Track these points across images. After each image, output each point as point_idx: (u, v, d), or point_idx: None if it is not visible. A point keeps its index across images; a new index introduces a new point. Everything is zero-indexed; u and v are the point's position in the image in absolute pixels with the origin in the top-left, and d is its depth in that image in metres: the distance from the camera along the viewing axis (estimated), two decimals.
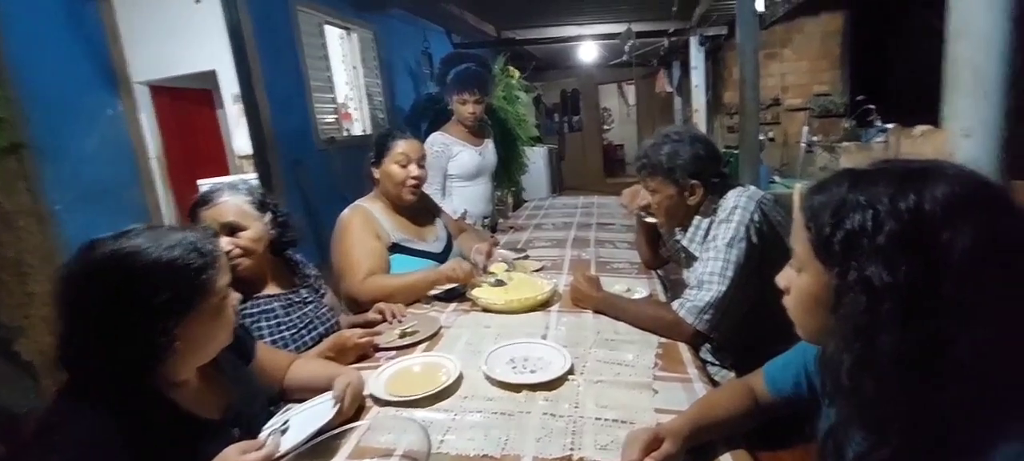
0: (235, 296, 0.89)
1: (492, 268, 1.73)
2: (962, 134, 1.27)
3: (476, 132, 2.55)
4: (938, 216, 0.53)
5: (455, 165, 2.47)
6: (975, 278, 0.51)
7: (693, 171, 1.36)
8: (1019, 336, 0.51)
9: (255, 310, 1.25)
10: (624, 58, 6.73)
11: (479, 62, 2.62)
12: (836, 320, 0.59)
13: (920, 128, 4.87)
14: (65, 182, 2.03)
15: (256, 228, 1.26)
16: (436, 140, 2.44)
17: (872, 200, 0.56)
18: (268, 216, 1.30)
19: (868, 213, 0.56)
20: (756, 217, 1.30)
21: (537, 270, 1.87)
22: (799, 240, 0.65)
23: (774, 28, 6.44)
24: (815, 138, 6.16)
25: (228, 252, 1.19)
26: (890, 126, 5.17)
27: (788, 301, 0.70)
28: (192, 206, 1.24)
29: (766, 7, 4.35)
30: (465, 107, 2.44)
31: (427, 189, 2.10)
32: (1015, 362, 0.52)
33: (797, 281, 0.67)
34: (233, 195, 1.25)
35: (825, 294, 0.61)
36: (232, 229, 1.22)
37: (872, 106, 5.53)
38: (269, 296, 1.30)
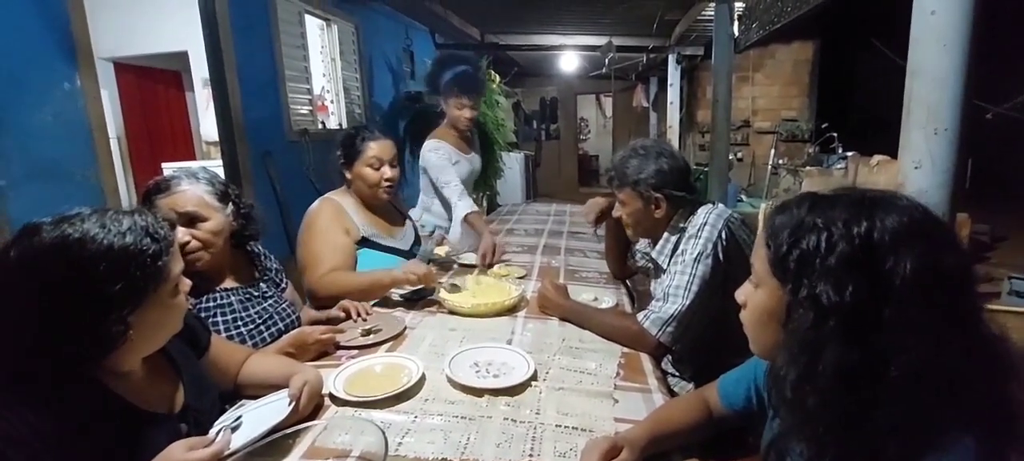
0: (186, 282, 0.86)
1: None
2: (913, 165, 1.34)
3: (467, 139, 2.50)
4: (886, 244, 0.56)
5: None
6: (913, 305, 0.55)
7: (656, 184, 1.39)
8: (948, 362, 0.55)
9: (211, 304, 1.21)
10: (603, 70, 6.83)
11: (474, 65, 2.53)
12: (785, 334, 0.62)
13: (877, 158, 5.10)
14: (10, 156, 1.92)
15: (217, 220, 1.20)
16: (441, 146, 2.33)
17: (828, 223, 0.59)
18: (230, 207, 1.25)
19: (823, 235, 0.59)
20: (724, 235, 1.33)
21: (520, 277, 1.86)
22: (759, 257, 0.68)
23: (748, 52, 6.65)
24: (781, 161, 6.38)
25: (186, 244, 1.14)
26: (850, 154, 5.41)
27: (744, 315, 0.73)
28: (146, 192, 1.17)
29: (740, 31, 4.48)
30: (462, 112, 2.35)
31: (449, 190, 2.17)
32: (944, 386, 0.55)
33: (754, 296, 0.70)
34: (193, 184, 1.19)
35: (778, 309, 0.64)
36: (191, 220, 1.16)
37: (834, 134, 5.77)
38: (226, 290, 1.25)
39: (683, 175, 1.43)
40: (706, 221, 1.35)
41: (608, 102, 10.79)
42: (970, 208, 4.45)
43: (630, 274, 1.90)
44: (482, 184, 4.97)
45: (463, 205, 2.19)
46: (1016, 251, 4.54)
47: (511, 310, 1.52)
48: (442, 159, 2.29)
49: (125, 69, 4.18)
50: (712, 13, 4.49)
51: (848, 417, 0.57)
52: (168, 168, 1.61)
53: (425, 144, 2.36)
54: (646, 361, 1.25)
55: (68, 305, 0.70)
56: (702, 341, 1.35)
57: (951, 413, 0.55)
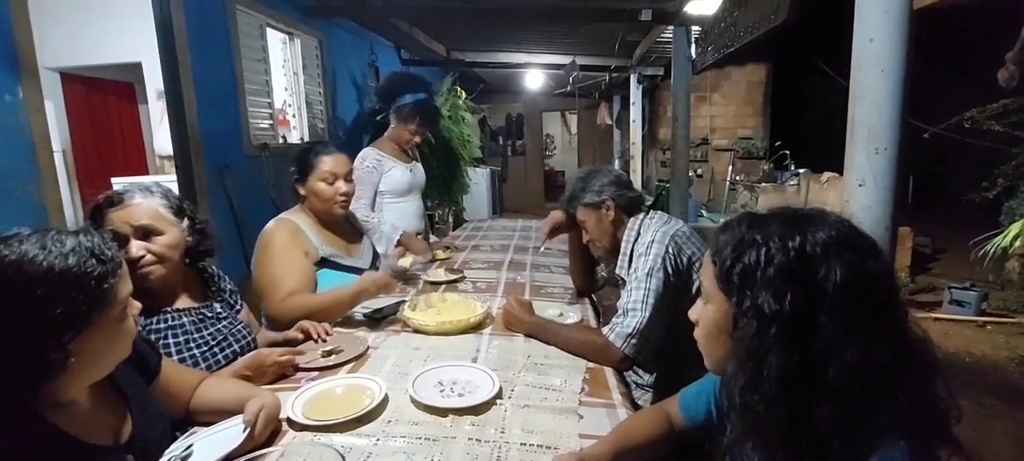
0: (135, 305, 0.82)
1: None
2: (857, 183, 1.42)
3: (407, 151, 2.58)
4: (817, 255, 0.61)
5: (387, 181, 2.44)
6: (845, 309, 0.59)
7: (598, 189, 1.56)
8: (879, 362, 0.59)
9: (161, 325, 1.15)
10: (568, 88, 6.96)
11: (430, 92, 2.60)
12: (733, 344, 0.66)
13: (827, 175, 5.35)
14: None
15: (173, 234, 1.17)
16: (369, 155, 2.42)
17: (766, 239, 0.64)
18: (185, 222, 1.21)
19: (762, 250, 0.64)
20: (671, 251, 1.41)
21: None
22: (706, 274, 0.73)
23: (705, 74, 6.92)
24: (738, 177, 6.64)
25: (140, 258, 1.10)
26: (802, 171, 5.68)
27: (697, 333, 0.76)
28: (95, 207, 1.12)
29: (697, 53, 4.67)
30: (414, 137, 2.48)
31: (356, 204, 2.08)
32: (876, 385, 0.59)
33: (704, 312, 0.74)
34: (147, 197, 1.16)
35: (726, 322, 0.68)
36: (146, 233, 1.13)
37: (787, 151, 6.06)
38: (179, 310, 1.20)
39: (624, 181, 1.60)
40: (653, 239, 1.43)
41: (573, 119, 11.00)
42: (913, 222, 4.73)
43: (596, 288, 1.93)
44: (448, 199, 4.95)
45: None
46: (956, 262, 4.83)
47: (476, 327, 1.51)
48: (365, 171, 2.33)
49: (73, 80, 3.99)
50: (671, 36, 4.66)
51: (793, 420, 0.61)
52: (118, 183, 1.54)
53: (360, 154, 2.41)
54: (611, 376, 1.26)
55: (4, 332, 0.66)
56: (662, 353, 1.39)
57: (885, 413, 0.59)
